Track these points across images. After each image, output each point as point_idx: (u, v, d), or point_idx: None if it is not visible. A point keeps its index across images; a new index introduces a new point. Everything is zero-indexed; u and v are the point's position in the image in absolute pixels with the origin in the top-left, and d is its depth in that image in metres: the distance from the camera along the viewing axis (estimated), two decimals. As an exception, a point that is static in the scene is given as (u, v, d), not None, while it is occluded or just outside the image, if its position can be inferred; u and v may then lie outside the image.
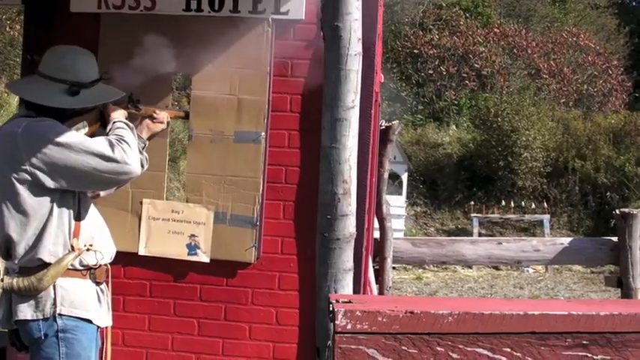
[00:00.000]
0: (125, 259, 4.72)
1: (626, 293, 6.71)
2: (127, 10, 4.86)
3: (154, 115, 3.96)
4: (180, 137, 17.26)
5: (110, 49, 4.71)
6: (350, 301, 1.87)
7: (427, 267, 18.58)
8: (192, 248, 4.80)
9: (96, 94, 3.54)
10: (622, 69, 30.64)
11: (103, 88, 3.62)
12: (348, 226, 3.08)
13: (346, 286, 3.06)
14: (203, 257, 4.80)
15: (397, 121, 6.83)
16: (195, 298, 4.88)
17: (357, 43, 2.98)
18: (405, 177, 20.55)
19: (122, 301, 4.90)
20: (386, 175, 6.70)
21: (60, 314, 3.35)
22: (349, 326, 1.80)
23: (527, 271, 19.11)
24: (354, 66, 2.97)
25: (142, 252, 4.85)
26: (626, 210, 6.81)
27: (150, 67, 4.77)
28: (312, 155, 4.73)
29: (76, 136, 3.38)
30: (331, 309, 1.82)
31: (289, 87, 4.80)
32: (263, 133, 4.74)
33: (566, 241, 7.01)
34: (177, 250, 4.82)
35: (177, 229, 4.83)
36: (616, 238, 6.82)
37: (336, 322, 1.80)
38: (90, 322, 3.45)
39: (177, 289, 4.90)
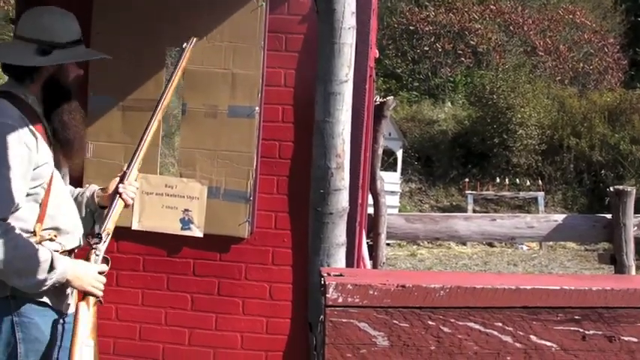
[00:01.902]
0: (118, 233, 4.62)
1: (620, 271, 6.70)
2: (120, -17, 4.82)
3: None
4: (175, 113, 17.21)
5: (104, 26, 4.68)
6: (341, 275, 1.86)
7: (421, 243, 18.64)
8: (186, 223, 4.79)
9: (71, 54, 3.37)
10: (618, 47, 30.58)
11: (81, 50, 3.46)
12: (341, 200, 3.06)
13: (339, 260, 3.05)
14: (196, 232, 4.78)
15: (391, 97, 6.81)
16: (189, 272, 4.88)
17: (351, 17, 2.95)
18: (399, 153, 20.57)
19: (115, 275, 4.86)
20: (380, 151, 6.69)
21: (13, 296, 3.14)
22: (340, 299, 1.79)
23: (522, 248, 19.17)
24: (347, 40, 2.94)
25: (135, 226, 4.83)
26: (621, 187, 6.79)
27: (143, 41, 4.75)
28: (306, 130, 4.70)
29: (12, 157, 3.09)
30: (322, 282, 1.82)
31: (283, 61, 4.78)
32: (257, 108, 4.73)
33: (560, 218, 7.00)
34: (170, 225, 4.80)
35: (171, 203, 4.81)
36: (610, 215, 6.81)
37: (327, 295, 1.79)
38: (47, 305, 3.25)
39: (170, 263, 4.89)
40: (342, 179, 3.02)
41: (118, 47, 4.63)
